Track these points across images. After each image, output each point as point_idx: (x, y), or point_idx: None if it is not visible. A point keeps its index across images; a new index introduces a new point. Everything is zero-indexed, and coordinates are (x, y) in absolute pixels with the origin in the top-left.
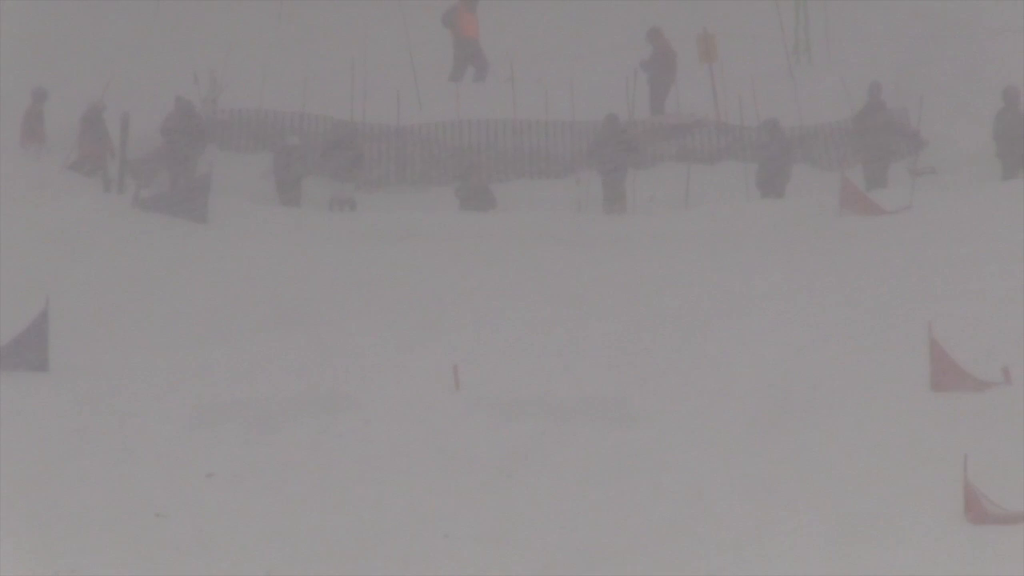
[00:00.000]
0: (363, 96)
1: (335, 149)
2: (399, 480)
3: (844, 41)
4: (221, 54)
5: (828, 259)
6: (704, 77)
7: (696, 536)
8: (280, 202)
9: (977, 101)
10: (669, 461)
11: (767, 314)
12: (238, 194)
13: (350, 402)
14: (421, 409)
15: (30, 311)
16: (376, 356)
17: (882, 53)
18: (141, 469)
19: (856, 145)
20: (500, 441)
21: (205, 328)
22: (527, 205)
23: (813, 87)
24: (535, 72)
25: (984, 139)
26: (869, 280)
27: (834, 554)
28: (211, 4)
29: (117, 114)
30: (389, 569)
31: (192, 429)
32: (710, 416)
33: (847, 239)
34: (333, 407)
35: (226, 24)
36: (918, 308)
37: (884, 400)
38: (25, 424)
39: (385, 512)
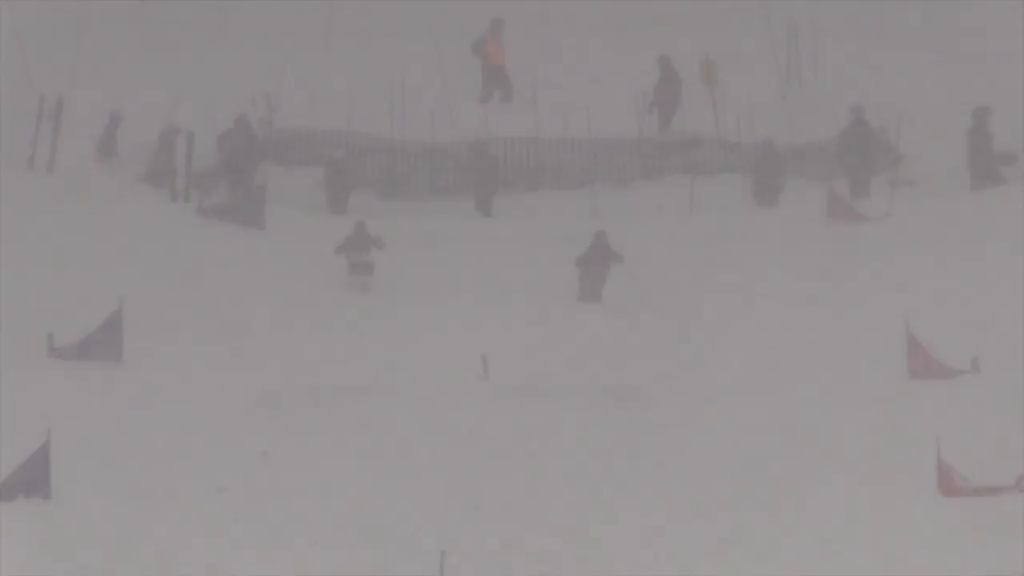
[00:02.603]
0: (402, 115)
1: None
2: (434, 458)
3: (831, 67)
4: (276, 79)
5: (817, 262)
6: (706, 99)
7: (696, 505)
8: (329, 211)
9: (949, 120)
10: (675, 441)
11: (762, 310)
12: (291, 203)
13: (389, 389)
14: (453, 394)
15: (107, 308)
16: (413, 347)
17: (865, 77)
18: (204, 448)
19: (841, 160)
20: (523, 423)
21: (262, 322)
22: (548, 213)
23: (803, 108)
24: (555, 94)
25: (956, 154)
26: (853, 280)
27: (821, 523)
28: (267, 36)
29: (184, 133)
30: (424, 536)
31: (250, 412)
32: (711, 400)
33: (834, 244)
34: (375, 393)
35: (280, 53)
36: (897, 305)
37: (866, 386)
38: (102, 407)
39: (422, 486)
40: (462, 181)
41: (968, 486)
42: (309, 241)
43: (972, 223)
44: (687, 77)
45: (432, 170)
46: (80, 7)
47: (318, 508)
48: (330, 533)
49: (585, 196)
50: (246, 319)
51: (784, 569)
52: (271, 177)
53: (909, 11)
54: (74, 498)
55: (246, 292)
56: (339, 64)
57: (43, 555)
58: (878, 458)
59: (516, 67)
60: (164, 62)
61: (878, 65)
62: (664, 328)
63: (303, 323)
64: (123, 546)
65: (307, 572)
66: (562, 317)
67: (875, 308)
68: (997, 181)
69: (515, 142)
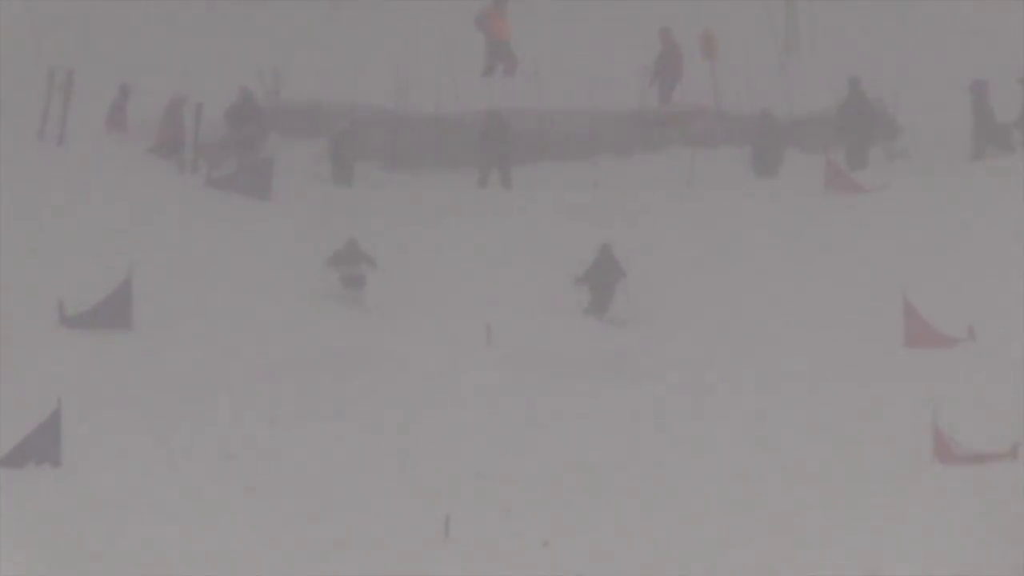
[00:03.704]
0: (406, 88)
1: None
2: (439, 425)
3: (829, 40)
4: (282, 53)
5: (815, 232)
6: (706, 71)
7: (695, 472)
8: (334, 182)
9: (946, 92)
10: (674, 409)
11: (762, 280)
12: (297, 174)
13: (395, 357)
14: (457, 363)
15: (116, 277)
16: (418, 315)
17: (862, 50)
18: (212, 415)
19: (839, 131)
20: (526, 391)
21: (268, 291)
22: (550, 184)
23: (801, 80)
24: (558, 67)
25: (952, 125)
26: (851, 249)
27: (818, 489)
28: (275, 11)
29: (193, 106)
30: (429, 501)
31: (257, 380)
32: (710, 369)
33: (832, 214)
34: (379, 361)
35: (286, 26)
36: (894, 273)
37: (863, 354)
38: (112, 375)
39: (426, 453)
40: (467, 152)
41: (964, 453)
42: (314, 211)
43: (968, 193)
44: (687, 49)
45: (436, 142)
46: None
47: (324, 474)
48: (336, 498)
49: (587, 167)
50: (253, 288)
51: (781, 535)
52: (277, 149)
53: None
54: (83, 465)
55: (253, 261)
56: (344, 37)
57: (52, 521)
58: (875, 425)
59: (519, 40)
60: (173, 35)
61: (875, 36)
62: (664, 297)
63: (309, 292)
64: (131, 512)
65: (313, 537)
66: (565, 287)
67: (872, 277)
68: (1000, 150)
69: (518, 114)
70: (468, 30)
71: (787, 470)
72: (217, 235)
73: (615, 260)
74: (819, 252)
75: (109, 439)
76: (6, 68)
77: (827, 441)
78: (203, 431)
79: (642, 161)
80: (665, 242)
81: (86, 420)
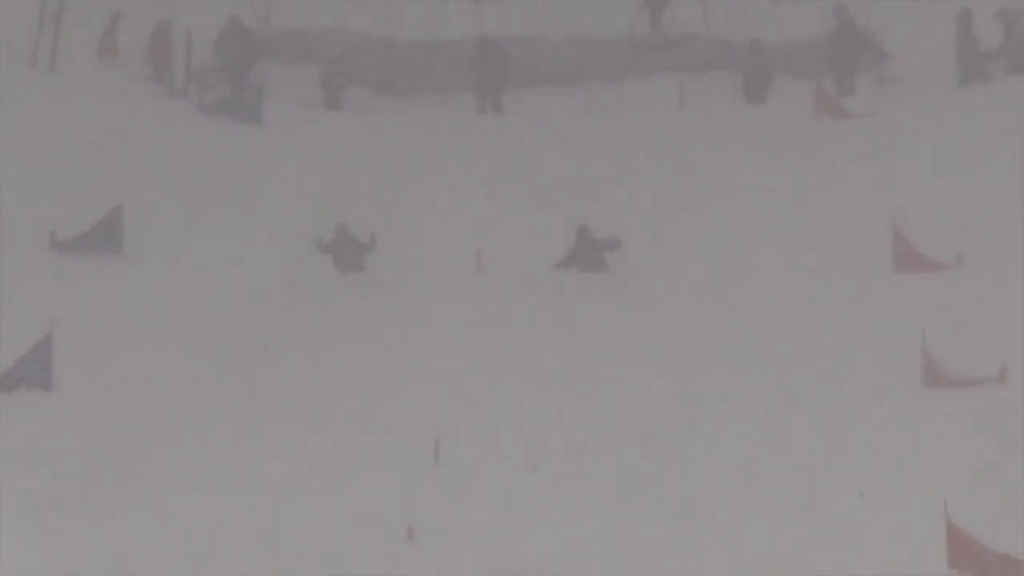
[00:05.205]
0: (398, 14)
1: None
2: (429, 351)
3: None
4: None
5: (804, 157)
6: None
7: (681, 395)
8: (325, 107)
9: (932, 19)
10: (665, 335)
11: (750, 205)
12: (288, 100)
13: (386, 283)
14: (448, 289)
15: (107, 203)
16: (408, 242)
17: None
18: (203, 341)
19: (828, 58)
20: (517, 317)
21: (259, 216)
22: (541, 110)
23: (791, 5)
24: None
25: (941, 51)
26: (840, 175)
27: (806, 413)
28: None
29: (181, 28)
30: (422, 427)
31: (249, 306)
32: (700, 295)
33: (821, 140)
34: (372, 287)
35: None
36: (883, 199)
37: (852, 279)
38: (103, 300)
39: (417, 378)
40: (458, 78)
41: (952, 377)
42: (306, 137)
43: (956, 119)
44: None
45: (428, 68)
46: None
47: (316, 400)
48: (328, 424)
49: (578, 94)
50: (243, 213)
51: (769, 459)
52: (269, 74)
53: None
54: (74, 389)
55: (243, 187)
56: None
57: (43, 446)
58: (864, 350)
59: None
60: None
61: None
62: (653, 219)
63: (299, 217)
64: (122, 438)
65: (305, 461)
66: (556, 211)
67: (862, 202)
68: (984, 78)
69: (509, 40)
70: None
71: (775, 393)
72: (207, 161)
73: (597, 242)
74: (808, 177)
75: (100, 365)
76: None
77: (815, 365)
78: (194, 356)
79: (633, 87)
80: (655, 168)
81: (77, 344)
